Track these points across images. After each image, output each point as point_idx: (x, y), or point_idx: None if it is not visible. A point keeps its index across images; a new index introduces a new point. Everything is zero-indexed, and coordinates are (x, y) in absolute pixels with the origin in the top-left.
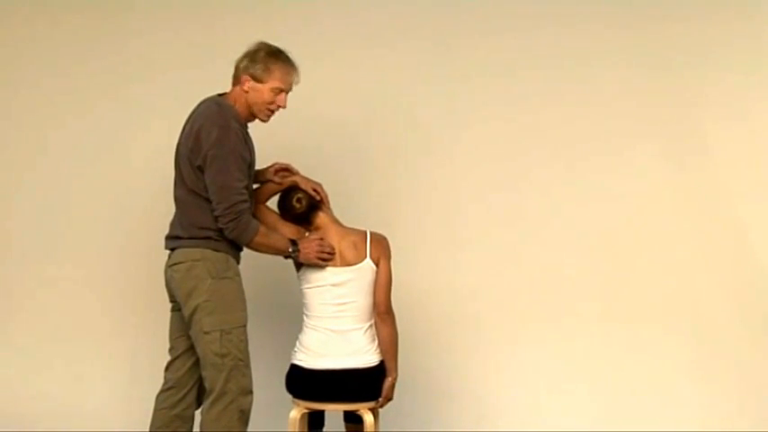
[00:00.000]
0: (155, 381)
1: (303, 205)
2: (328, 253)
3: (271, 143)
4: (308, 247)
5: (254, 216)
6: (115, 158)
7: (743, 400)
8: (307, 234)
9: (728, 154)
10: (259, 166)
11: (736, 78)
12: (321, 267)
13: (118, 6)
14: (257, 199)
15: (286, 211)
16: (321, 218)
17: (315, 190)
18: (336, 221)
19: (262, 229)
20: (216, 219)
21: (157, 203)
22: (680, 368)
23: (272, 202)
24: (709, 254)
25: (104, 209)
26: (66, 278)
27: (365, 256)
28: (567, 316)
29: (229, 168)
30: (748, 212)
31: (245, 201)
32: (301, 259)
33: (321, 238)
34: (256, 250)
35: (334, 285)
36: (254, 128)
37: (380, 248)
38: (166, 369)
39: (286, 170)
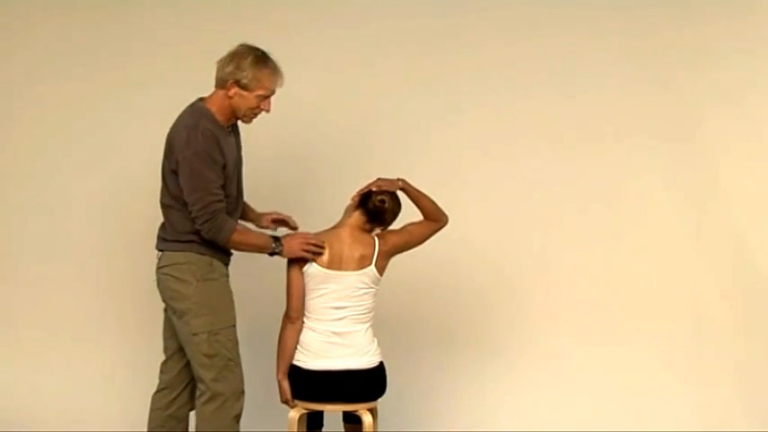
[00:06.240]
0: (154, 381)
1: (386, 206)
2: (316, 245)
3: (274, 147)
4: (292, 241)
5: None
6: (117, 158)
7: (742, 401)
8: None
9: (728, 153)
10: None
11: (736, 78)
12: (310, 260)
13: (119, 6)
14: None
15: (368, 208)
16: (355, 217)
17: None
18: (360, 228)
19: (239, 227)
20: (193, 221)
21: (159, 204)
22: (679, 369)
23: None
24: (709, 254)
25: (105, 209)
26: (67, 278)
27: (370, 263)
28: (566, 316)
29: (200, 169)
30: (747, 212)
31: (219, 200)
32: (285, 255)
33: (307, 233)
34: (237, 249)
35: (336, 289)
36: (264, 132)
37: (388, 245)
38: (161, 370)
39: (281, 221)
